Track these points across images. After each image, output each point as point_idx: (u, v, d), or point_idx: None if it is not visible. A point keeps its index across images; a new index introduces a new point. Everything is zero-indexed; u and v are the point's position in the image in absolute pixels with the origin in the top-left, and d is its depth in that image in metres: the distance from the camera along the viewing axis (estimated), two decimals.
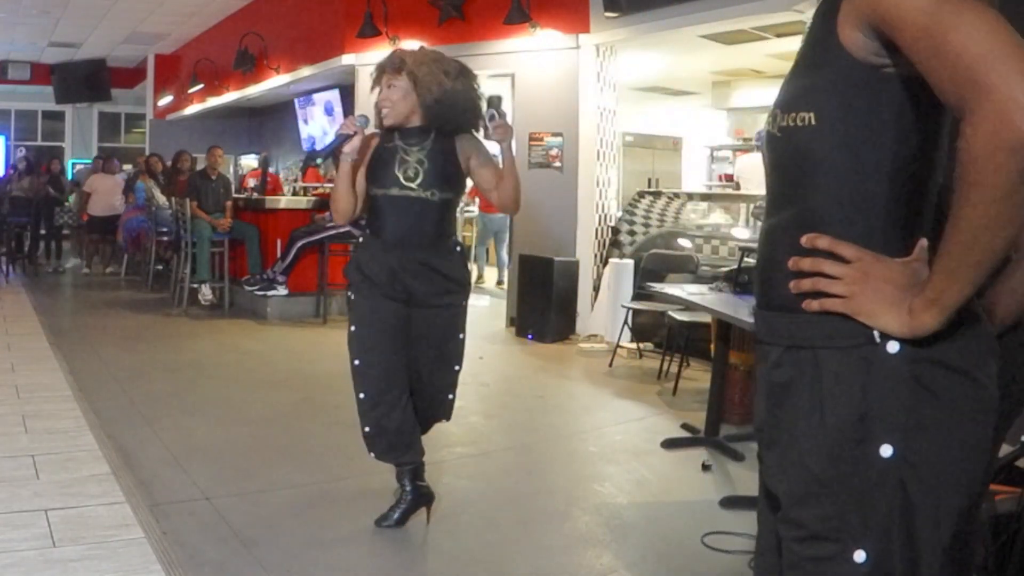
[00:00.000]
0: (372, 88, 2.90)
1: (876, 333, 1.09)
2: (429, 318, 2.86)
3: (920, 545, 1.09)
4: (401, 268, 2.81)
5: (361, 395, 2.85)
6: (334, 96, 10.38)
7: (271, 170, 10.87)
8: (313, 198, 8.17)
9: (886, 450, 1.08)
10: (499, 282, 9.92)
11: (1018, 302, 1.51)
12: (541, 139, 7.02)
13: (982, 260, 0.99)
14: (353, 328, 2.88)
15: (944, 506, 1.10)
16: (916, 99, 1.09)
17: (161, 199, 9.08)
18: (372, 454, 2.96)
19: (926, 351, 1.08)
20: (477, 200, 10.06)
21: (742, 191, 7.66)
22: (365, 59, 8.09)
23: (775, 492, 1.22)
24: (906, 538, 1.09)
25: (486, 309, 8.58)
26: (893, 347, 1.08)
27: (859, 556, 1.10)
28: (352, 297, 2.91)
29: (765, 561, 1.31)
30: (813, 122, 1.13)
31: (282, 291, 7.32)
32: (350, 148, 2.78)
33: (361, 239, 2.99)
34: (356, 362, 2.85)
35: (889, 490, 1.09)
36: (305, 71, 9.30)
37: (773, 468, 1.22)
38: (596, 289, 6.87)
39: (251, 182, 10.03)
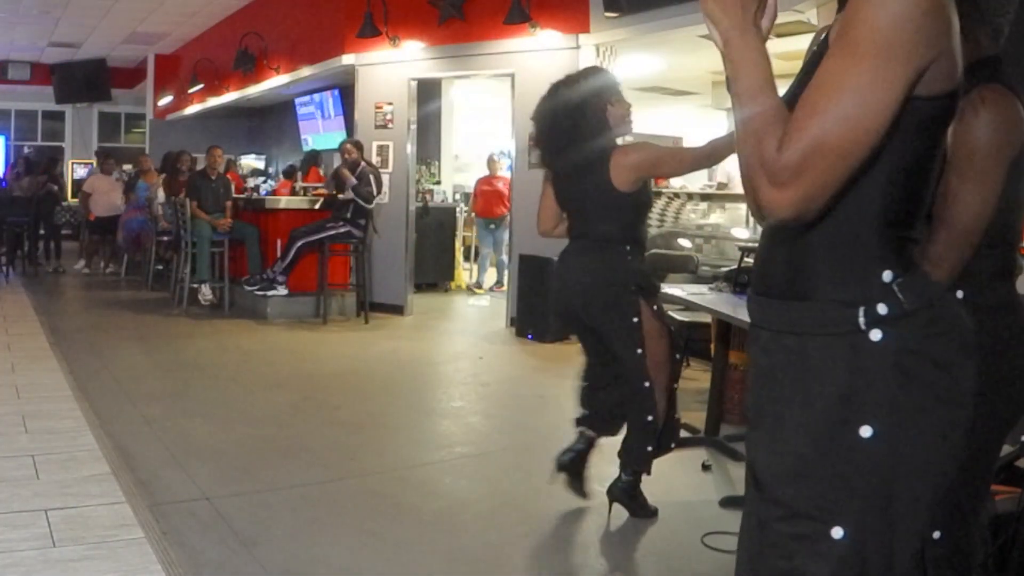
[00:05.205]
0: None
1: (861, 320, 1.13)
2: None
3: (896, 524, 1.14)
4: None
5: None
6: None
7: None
8: (313, 198, 8.17)
9: (866, 431, 1.12)
10: (497, 283, 9.77)
11: None
12: None
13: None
14: None
15: (919, 488, 1.15)
16: (916, 114, 1.11)
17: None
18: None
19: (909, 341, 1.14)
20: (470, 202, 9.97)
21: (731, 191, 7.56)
22: (365, 59, 8.09)
23: (757, 472, 1.26)
24: (883, 517, 1.13)
25: (486, 309, 8.58)
26: (876, 335, 1.13)
27: (837, 533, 1.14)
28: None
29: (747, 541, 1.34)
30: None
31: (282, 291, 7.32)
32: None
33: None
34: None
35: (869, 470, 1.13)
36: (305, 71, 9.30)
37: (759, 448, 1.26)
38: None
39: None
